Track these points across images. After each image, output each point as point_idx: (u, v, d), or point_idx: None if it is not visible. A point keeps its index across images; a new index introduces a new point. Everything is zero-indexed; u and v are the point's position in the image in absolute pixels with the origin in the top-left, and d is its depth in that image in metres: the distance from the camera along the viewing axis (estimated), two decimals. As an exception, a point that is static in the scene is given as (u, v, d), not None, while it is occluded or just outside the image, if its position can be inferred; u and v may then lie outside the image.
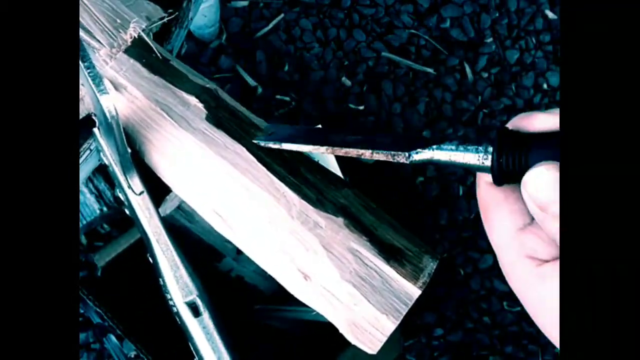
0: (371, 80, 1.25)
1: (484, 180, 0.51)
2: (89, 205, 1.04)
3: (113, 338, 1.02)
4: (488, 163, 0.48)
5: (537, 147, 0.46)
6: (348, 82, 1.25)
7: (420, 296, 0.58)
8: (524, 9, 1.29)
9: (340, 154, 0.54)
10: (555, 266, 0.47)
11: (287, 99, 1.22)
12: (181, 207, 1.00)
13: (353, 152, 0.54)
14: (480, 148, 0.49)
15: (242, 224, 0.59)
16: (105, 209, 1.04)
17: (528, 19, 1.28)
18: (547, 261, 0.48)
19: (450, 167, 0.51)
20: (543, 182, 0.44)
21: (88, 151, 0.67)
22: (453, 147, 0.49)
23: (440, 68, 1.27)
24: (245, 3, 1.27)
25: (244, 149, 0.59)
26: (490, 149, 0.48)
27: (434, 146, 0.50)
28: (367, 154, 0.53)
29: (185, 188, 0.62)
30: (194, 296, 0.62)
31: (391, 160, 0.52)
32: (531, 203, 0.45)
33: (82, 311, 1.03)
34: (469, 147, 0.49)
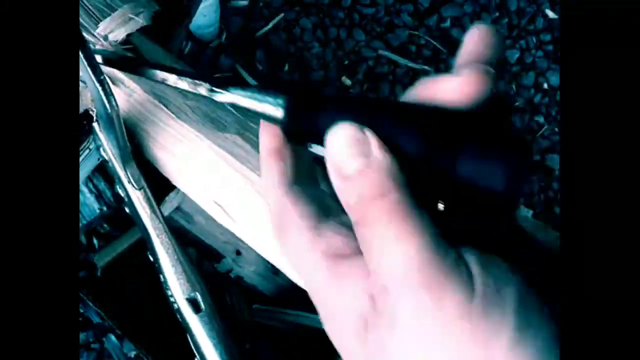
0: (371, 80, 1.24)
1: (274, 191, 0.46)
2: (89, 205, 1.03)
3: (113, 338, 1.02)
4: (280, 115, 0.44)
5: (334, 109, 0.43)
6: (348, 82, 1.25)
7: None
8: (524, 9, 1.29)
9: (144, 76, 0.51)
10: (353, 262, 0.41)
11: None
12: (180, 208, 1.00)
13: (159, 75, 0.50)
14: (276, 99, 0.45)
15: (243, 214, 0.59)
16: (105, 208, 1.04)
17: (528, 19, 1.28)
18: (346, 257, 0.42)
19: (253, 114, 0.47)
20: (344, 140, 0.40)
21: (87, 150, 0.66)
22: (251, 94, 0.45)
23: (440, 67, 1.27)
24: (246, 2, 1.27)
25: (241, 138, 0.60)
26: (282, 101, 0.44)
27: (237, 88, 0.46)
28: (171, 79, 0.49)
29: (185, 180, 0.62)
30: (194, 292, 0.62)
31: (193, 90, 0.48)
32: (332, 168, 0.41)
33: (82, 311, 1.03)
34: (267, 96, 0.45)
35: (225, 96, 0.47)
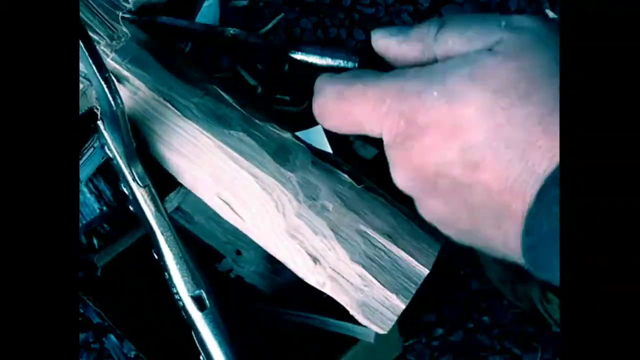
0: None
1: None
2: (89, 205, 1.03)
3: (113, 338, 1.01)
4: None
5: None
6: (348, 82, 1.25)
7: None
8: (525, 9, 1.29)
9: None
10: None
11: (287, 98, 1.22)
12: (180, 208, 1.00)
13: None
14: (346, 61, 0.58)
15: (250, 211, 0.60)
16: (105, 208, 1.04)
17: (528, 19, 1.28)
18: None
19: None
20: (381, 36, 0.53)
21: (92, 148, 0.67)
22: (319, 53, 0.57)
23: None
24: (246, 2, 1.27)
25: (247, 135, 0.60)
26: (354, 64, 0.58)
27: (308, 49, 0.58)
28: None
29: (191, 177, 0.62)
30: (200, 290, 0.62)
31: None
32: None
33: (82, 311, 1.03)
34: (335, 56, 0.58)
35: (300, 55, 0.58)
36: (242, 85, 1.23)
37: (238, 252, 1.02)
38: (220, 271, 1.03)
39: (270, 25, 1.25)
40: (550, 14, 1.28)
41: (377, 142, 1.21)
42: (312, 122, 1.08)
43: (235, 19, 1.26)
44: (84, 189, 1.01)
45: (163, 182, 0.65)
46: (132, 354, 0.99)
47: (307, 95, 1.09)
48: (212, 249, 1.02)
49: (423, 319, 1.19)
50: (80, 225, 1.02)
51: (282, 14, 1.27)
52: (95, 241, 1.11)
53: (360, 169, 1.22)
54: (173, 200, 0.99)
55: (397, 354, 1.15)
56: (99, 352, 1.11)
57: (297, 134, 1.12)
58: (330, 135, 1.14)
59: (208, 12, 1.21)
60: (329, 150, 1.12)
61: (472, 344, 1.22)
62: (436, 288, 1.21)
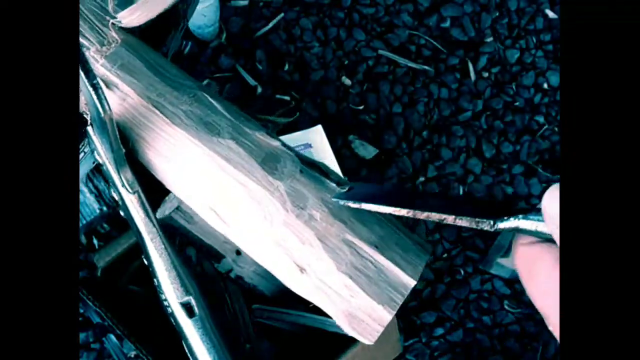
0: (371, 80, 1.24)
1: (522, 242, 0.52)
2: (89, 205, 1.03)
3: (113, 338, 1.02)
4: None
5: None
6: (348, 82, 1.24)
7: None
8: (524, 9, 1.29)
9: (422, 217, 0.54)
10: None
11: (287, 98, 1.22)
12: (180, 208, 1.00)
13: (435, 216, 0.54)
14: None
15: (237, 219, 0.59)
16: (105, 208, 1.04)
17: (528, 19, 1.27)
18: None
19: (535, 234, 0.53)
20: (552, 197, 0.46)
21: (82, 153, 0.67)
22: (540, 218, 0.50)
23: (440, 67, 1.26)
24: (245, 2, 1.27)
25: (235, 143, 0.60)
26: None
27: (520, 216, 0.51)
28: (449, 219, 0.53)
29: (180, 185, 0.62)
30: (188, 297, 0.62)
31: (475, 227, 0.53)
32: (548, 220, 0.46)
33: (82, 311, 1.03)
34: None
35: (508, 224, 0.52)
36: (242, 85, 1.24)
37: (238, 252, 1.02)
38: (220, 271, 1.04)
39: (270, 25, 1.25)
40: (550, 13, 1.28)
41: (377, 142, 1.21)
42: (304, 128, 1.08)
43: (235, 18, 1.27)
44: (84, 189, 1.01)
45: (156, 188, 0.65)
46: (132, 354, 0.99)
47: (305, 96, 1.08)
48: (212, 249, 1.02)
49: (423, 319, 1.19)
50: (80, 225, 1.02)
51: (282, 14, 1.28)
52: (95, 241, 1.11)
53: (359, 169, 1.22)
54: (173, 200, 0.99)
55: (397, 354, 1.15)
56: (99, 352, 1.12)
57: (298, 133, 1.12)
58: (330, 134, 1.13)
59: (208, 12, 1.21)
60: (329, 149, 1.12)
61: (472, 344, 1.22)
62: (436, 288, 1.21)
